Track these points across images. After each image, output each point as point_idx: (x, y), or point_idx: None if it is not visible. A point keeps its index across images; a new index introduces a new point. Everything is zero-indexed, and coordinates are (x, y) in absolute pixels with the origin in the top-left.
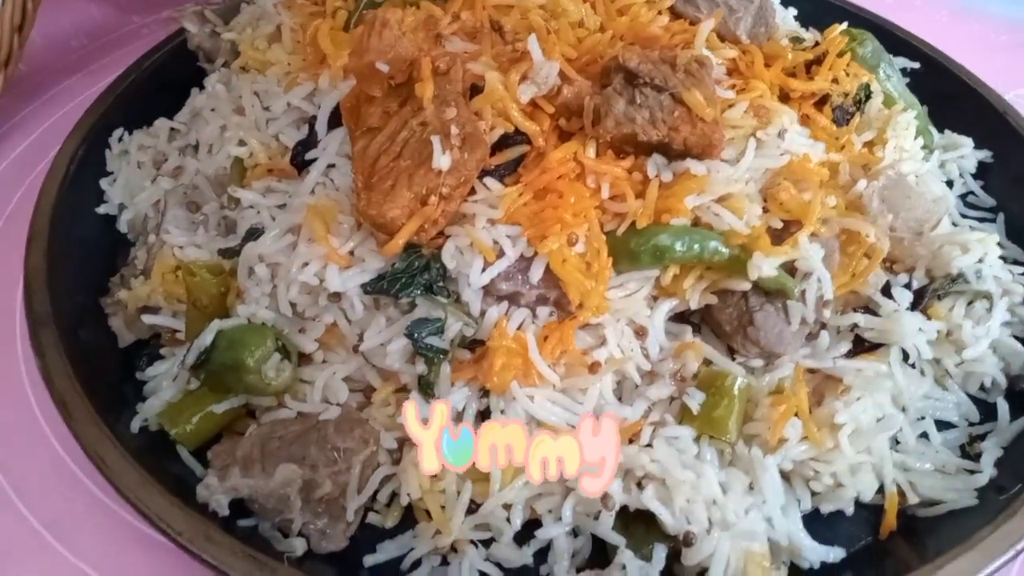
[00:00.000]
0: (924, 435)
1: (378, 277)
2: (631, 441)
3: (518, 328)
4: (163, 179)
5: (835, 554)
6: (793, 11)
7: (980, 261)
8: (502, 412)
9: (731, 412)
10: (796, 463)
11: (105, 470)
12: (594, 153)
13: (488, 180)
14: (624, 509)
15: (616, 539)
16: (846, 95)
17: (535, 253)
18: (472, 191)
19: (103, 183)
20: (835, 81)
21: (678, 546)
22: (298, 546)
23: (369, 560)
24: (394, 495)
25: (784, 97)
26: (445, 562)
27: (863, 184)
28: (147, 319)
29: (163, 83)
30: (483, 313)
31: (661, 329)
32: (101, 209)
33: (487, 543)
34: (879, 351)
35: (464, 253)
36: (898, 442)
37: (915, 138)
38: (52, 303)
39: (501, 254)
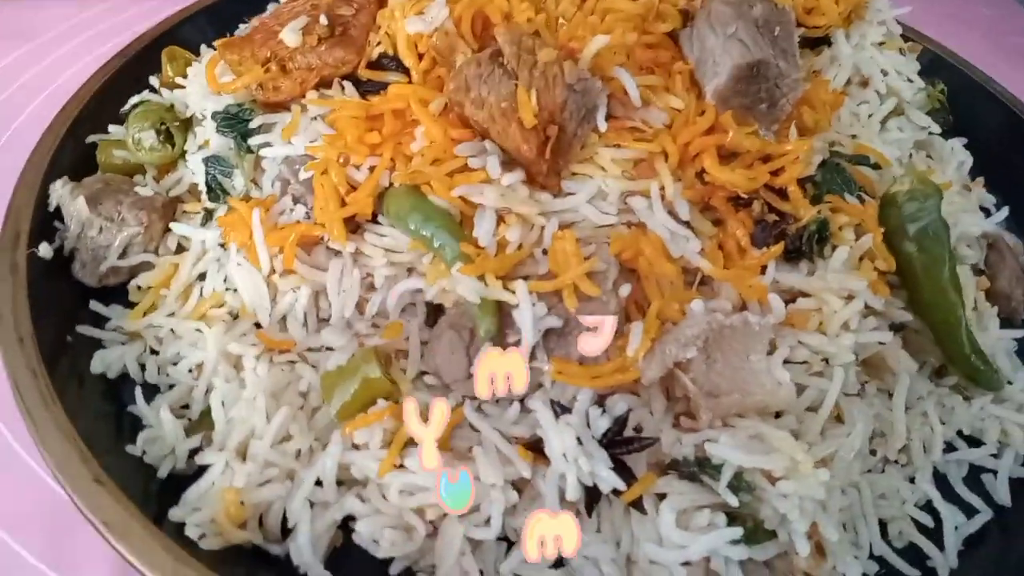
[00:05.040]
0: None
1: (223, 110)
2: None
3: (281, 213)
4: None
5: None
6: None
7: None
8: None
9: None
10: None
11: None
12: (439, 108)
13: (347, 84)
14: None
15: None
16: (785, 217)
17: None
18: (328, 86)
19: None
20: (781, 194)
21: None
22: (43, 251)
23: (94, 305)
24: None
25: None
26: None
27: (699, 307)
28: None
29: None
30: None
31: (394, 298)
32: None
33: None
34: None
35: (274, 127)
36: None
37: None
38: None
39: None
